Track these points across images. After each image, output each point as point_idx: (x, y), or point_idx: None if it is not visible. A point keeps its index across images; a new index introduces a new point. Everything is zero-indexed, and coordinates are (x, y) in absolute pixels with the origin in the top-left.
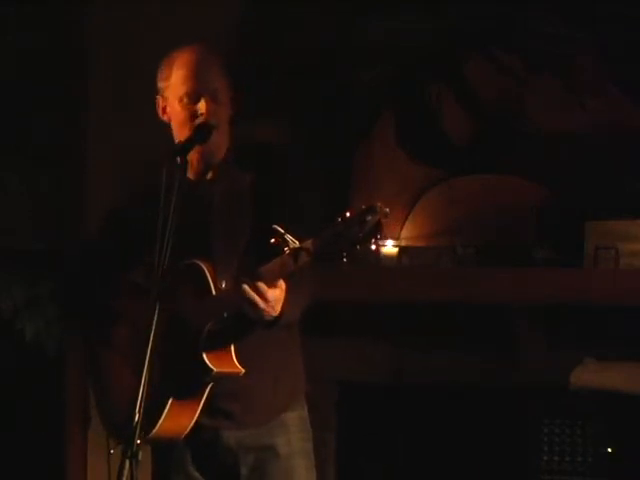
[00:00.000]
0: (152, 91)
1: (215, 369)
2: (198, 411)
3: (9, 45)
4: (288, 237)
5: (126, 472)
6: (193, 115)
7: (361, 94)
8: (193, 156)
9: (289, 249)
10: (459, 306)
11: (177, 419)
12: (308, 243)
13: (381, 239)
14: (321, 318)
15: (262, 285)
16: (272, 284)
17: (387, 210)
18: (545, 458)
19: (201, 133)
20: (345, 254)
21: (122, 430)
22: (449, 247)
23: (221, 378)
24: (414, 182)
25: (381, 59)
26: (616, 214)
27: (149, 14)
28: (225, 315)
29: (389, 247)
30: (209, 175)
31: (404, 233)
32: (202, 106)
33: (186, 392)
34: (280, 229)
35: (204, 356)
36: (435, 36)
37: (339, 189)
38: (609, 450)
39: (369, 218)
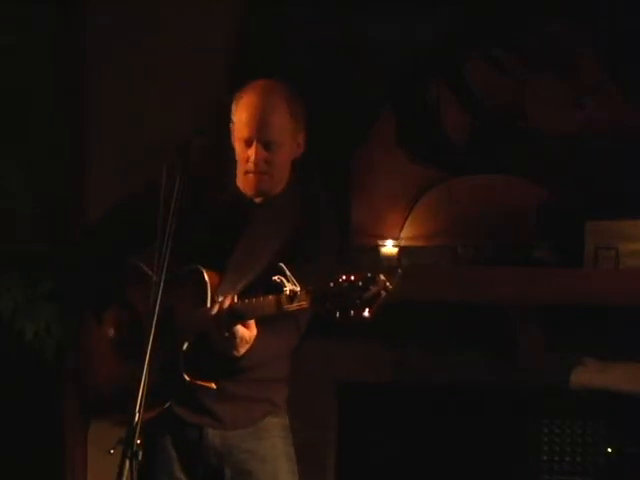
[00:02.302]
0: (152, 91)
1: (188, 379)
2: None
3: (9, 45)
4: (290, 278)
5: (126, 472)
6: (245, 159)
7: (361, 94)
8: (245, 184)
9: (288, 290)
10: (459, 306)
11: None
12: (307, 289)
13: (377, 309)
14: (321, 318)
15: (237, 322)
16: (247, 322)
17: (389, 285)
18: (545, 458)
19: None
20: (338, 314)
21: (93, 407)
22: (449, 247)
23: (192, 387)
24: (414, 182)
25: (381, 59)
26: (616, 214)
27: (149, 14)
28: (200, 331)
29: (389, 247)
30: (259, 199)
31: (404, 233)
32: (251, 153)
33: (156, 390)
34: (284, 268)
35: (181, 365)
36: (435, 36)
37: (339, 189)
38: (609, 450)
39: (371, 287)
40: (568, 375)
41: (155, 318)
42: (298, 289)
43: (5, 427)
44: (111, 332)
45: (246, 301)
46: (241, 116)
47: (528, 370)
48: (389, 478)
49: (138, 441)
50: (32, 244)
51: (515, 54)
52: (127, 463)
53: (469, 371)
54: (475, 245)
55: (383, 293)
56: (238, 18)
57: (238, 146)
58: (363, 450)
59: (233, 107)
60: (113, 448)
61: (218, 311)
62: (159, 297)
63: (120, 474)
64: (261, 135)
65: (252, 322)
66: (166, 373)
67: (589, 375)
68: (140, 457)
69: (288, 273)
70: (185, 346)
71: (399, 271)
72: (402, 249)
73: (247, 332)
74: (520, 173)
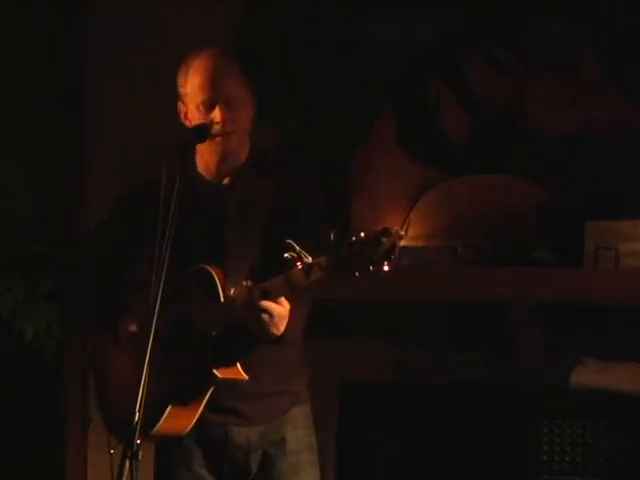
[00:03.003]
0: (152, 91)
1: (220, 375)
2: (198, 413)
3: (9, 45)
4: (302, 252)
5: (126, 472)
6: (210, 123)
7: (361, 94)
8: (211, 158)
9: (302, 264)
10: (459, 306)
11: (176, 420)
12: (322, 260)
13: (395, 261)
14: (321, 318)
15: (268, 301)
16: (278, 300)
17: (402, 233)
18: (545, 458)
19: (198, 133)
20: (357, 273)
21: (120, 428)
22: (449, 247)
23: (224, 383)
24: (414, 182)
25: (381, 59)
26: (616, 214)
27: (149, 14)
28: (228, 324)
29: None
30: (226, 180)
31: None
32: (217, 114)
33: (188, 394)
34: (294, 244)
35: (209, 362)
36: (435, 36)
37: (339, 190)
38: (609, 450)
39: (384, 240)
40: (568, 375)
41: (155, 318)
42: (311, 260)
43: (5, 427)
44: (123, 350)
45: (270, 280)
46: (194, 80)
47: (528, 370)
48: (389, 478)
49: (138, 441)
50: (32, 244)
51: (515, 54)
52: (127, 463)
53: (469, 371)
54: (475, 245)
55: (399, 243)
56: (238, 18)
57: (195, 115)
58: (363, 450)
59: (180, 77)
60: (113, 448)
61: (248, 297)
62: (159, 297)
63: (120, 474)
64: (220, 92)
65: (283, 298)
66: (194, 375)
67: (589, 375)
68: (140, 457)
69: (298, 248)
70: (210, 344)
71: (410, 218)
72: (402, 249)
73: (282, 308)
74: (520, 173)
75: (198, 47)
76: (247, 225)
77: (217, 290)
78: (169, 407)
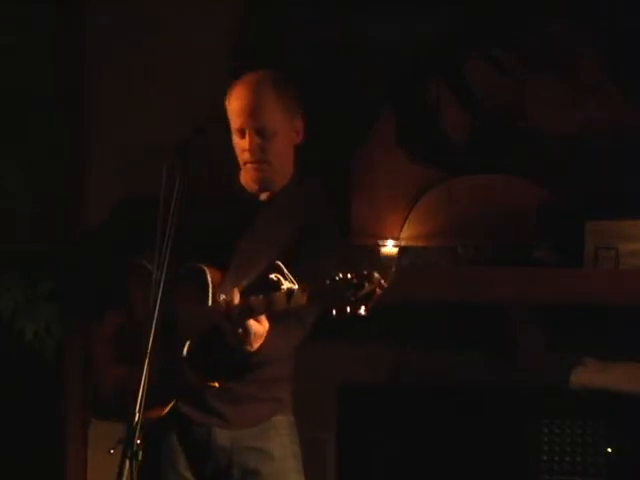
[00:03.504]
0: (152, 91)
1: (192, 378)
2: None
3: (9, 45)
4: (288, 276)
5: (126, 472)
6: (242, 149)
7: (361, 94)
8: (250, 181)
9: (285, 288)
10: (459, 306)
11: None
12: (304, 287)
13: (372, 307)
14: (321, 318)
15: (247, 318)
16: (259, 318)
17: (384, 283)
18: (545, 458)
19: (194, 134)
20: (334, 311)
21: (102, 412)
22: (449, 247)
23: (196, 387)
24: (414, 182)
25: (381, 59)
26: (616, 214)
27: (149, 14)
28: (208, 329)
29: (389, 247)
30: (264, 196)
31: (404, 233)
32: (245, 142)
33: (161, 391)
34: (282, 266)
35: (185, 365)
36: (435, 36)
37: (339, 189)
38: (609, 450)
39: (365, 285)
40: (568, 375)
41: (155, 319)
42: (295, 287)
43: (5, 427)
44: (112, 334)
45: (253, 298)
46: (232, 108)
47: (528, 370)
48: (389, 478)
49: (138, 441)
50: (32, 244)
51: (515, 54)
52: (127, 463)
53: (469, 371)
54: (475, 245)
55: (378, 291)
56: (238, 18)
57: (235, 139)
58: (363, 450)
59: (227, 104)
60: (113, 448)
61: (230, 307)
62: (159, 298)
63: (120, 474)
64: (252, 122)
65: (263, 317)
66: (169, 373)
67: (589, 375)
68: (140, 457)
69: (285, 271)
70: (187, 345)
71: (393, 269)
72: (402, 249)
73: (260, 327)
74: (520, 173)
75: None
76: (264, 243)
77: (208, 292)
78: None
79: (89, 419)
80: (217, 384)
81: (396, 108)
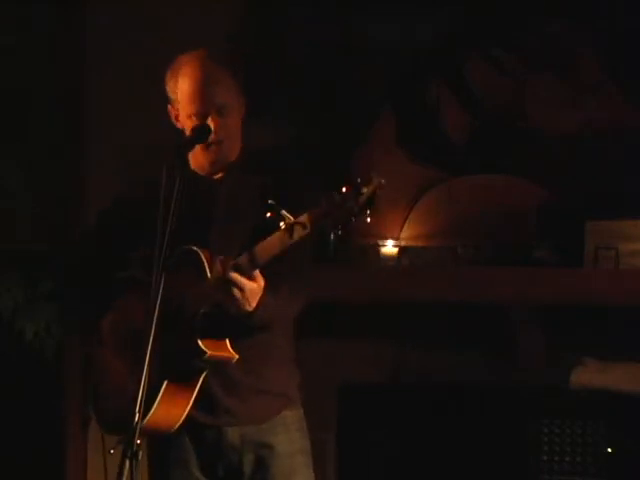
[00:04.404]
0: (152, 91)
1: (208, 352)
2: (191, 401)
3: (9, 45)
4: (283, 212)
5: (126, 472)
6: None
7: (361, 94)
8: (205, 161)
9: (284, 224)
10: (459, 306)
11: (170, 407)
12: (304, 217)
13: (376, 210)
14: (321, 318)
15: (237, 275)
16: (252, 274)
17: (383, 181)
18: (545, 458)
19: (199, 134)
20: (340, 227)
21: (116, 426)
22: (449, 247)
23: (214, 363)
24: (414, 182)
25: (381, 59)
26: (616, 214)
27: (149, 14)
28: (215, 301)
29: (389, 247)
30: (218, 175)
31: (404, 233)
32: (210, 124)
33: (180, 377)
34: (275, 203)
35: (197, 339)
36: (435, 36)
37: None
38: (609, 450)
39: (364, 190)
40: (568, 375)
41: (155, 319)
42: (293, 219)
43: (5, 427)
44: (118, 348)
45: (245, 254)
46: (184, 89)
47: (528, 370)
48: (389, 478)
49: (138, 441)
50: (32, 244)
51: (515, 54)
52: (127, 463)
53: (469, 371)
54: (475, 245)
55: (379, 191)
56: (238, 18)
57: (188, 121)
58: (363, 450)
59: (170, 84)
60: (113, 448)
61: (221, 273)
62: (159, 298)
63: (120, 474)
64: (214, 102)
65: (256, 273)
66: (185, 356)
67: (589, 375)
68: (140, 457)
69: (279, 207)
70: (197, 321)
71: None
72: (402, 249)
73: (254, 284)
74: (520, 173)
75: (185, 49)
76: (234, 218)
77: (204, 269)
78: (162, 390)
79: (89, 419)
80: (236, 355)
81: (396, 108)
